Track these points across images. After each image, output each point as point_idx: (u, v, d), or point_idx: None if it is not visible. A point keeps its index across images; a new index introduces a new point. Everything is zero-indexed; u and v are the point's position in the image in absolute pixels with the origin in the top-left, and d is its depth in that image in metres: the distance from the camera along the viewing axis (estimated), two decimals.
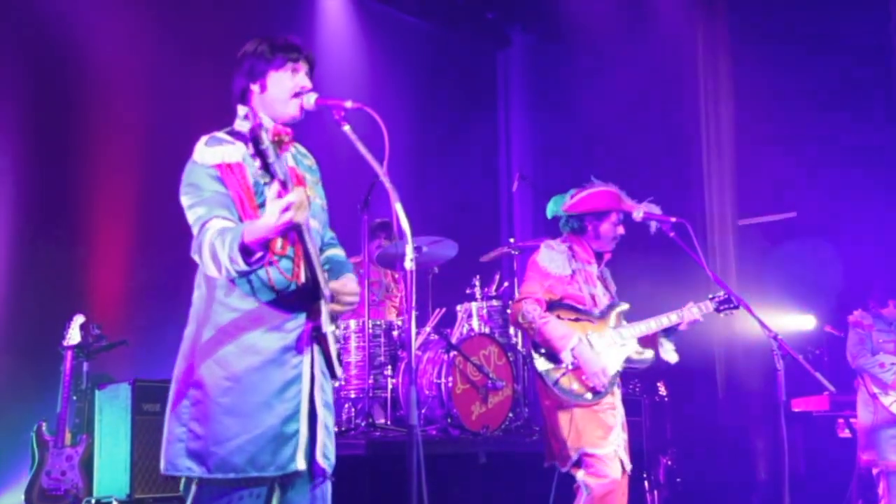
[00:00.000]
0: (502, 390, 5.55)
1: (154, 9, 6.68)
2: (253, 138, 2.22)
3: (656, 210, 4.19)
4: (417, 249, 5.53)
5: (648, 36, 8.02)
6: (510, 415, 5.62)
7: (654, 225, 4.19)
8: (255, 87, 2.66)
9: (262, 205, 2.49)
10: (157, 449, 2.65)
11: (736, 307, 4.19)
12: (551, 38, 9.01)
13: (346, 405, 5.60)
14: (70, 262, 6.28)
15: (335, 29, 8.10)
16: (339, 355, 2.71)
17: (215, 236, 2.39)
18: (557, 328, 3.89)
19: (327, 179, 2.90)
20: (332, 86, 7.52)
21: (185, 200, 2.54)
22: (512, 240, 6.49)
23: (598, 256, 4.19)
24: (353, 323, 5.67)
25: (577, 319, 3.99)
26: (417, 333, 5.72)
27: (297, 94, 2.65)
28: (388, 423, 5.38)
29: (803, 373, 3.82)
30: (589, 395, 3.89)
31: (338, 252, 2.89)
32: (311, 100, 2.64)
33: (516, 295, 4.17)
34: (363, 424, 5.18)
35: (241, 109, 2.68)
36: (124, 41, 6.50)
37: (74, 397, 5.53)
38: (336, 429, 5.28)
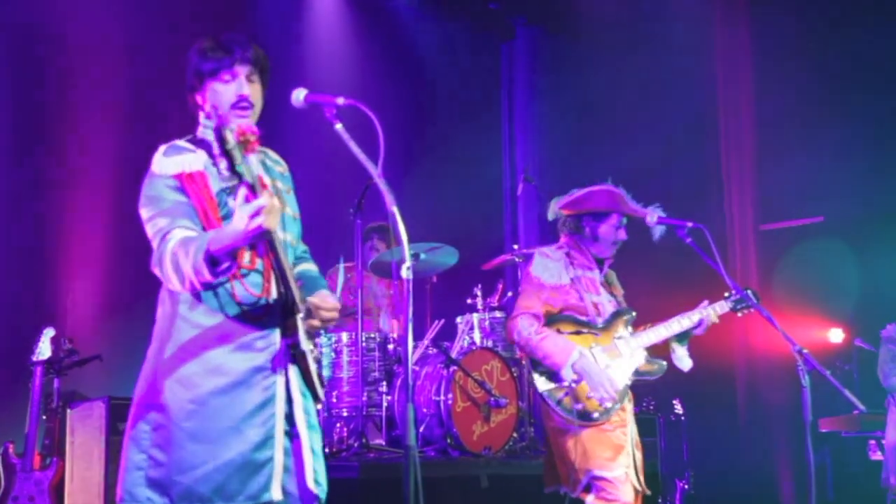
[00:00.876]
0: (506, 408, 5.55)
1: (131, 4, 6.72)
2: (219, 138, 2.21)
3: (663, 215, 4.18)
4: (415, 256, 5.54)
5: (662, 27, 8.04)
6: (514, 435, 5.61)
7: (658, 231, 4.17)
8: (198, 98, 2.65)
9: (227, 217, 2.49)
10: None
11: (754, 306, 4.17)
12: (558, 29, 9.03)
13: (338, 424, 5.59)
14: (40, 272, 6.29)
15: (327, 20, 8.13)
16: (319, 375, 2.68)
17: (177, 246, 2.39)
18: (556, 343, 3.87)
19: (317, 182, 2.92)
20: (323, 81, 7.57)
21: (144, 213, 2.54)
22: (516, 246, 6.51)
23: (600, 261, 4.16)
24: (345, 336, 5.67)
25: (578, 332, 3.96)
26: (415, 347, 5.72)
27: (235, 105, 2.59)
28: (384, 443, 5.38)
29: (831, 390, 3.82)
30: (596, 415, 3.86)
31: (310, 267, 2.89)
32: (300, 96, 2.64)
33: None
34: (356, 445, 5.18)
35: (202, 116, 2.67)
36: (101, 46, 6.54)
37: (44, 416, 5.52)
38: (327, 450, 5.32)
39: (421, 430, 5.37)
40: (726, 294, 4.24)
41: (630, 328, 4.09)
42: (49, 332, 5.41)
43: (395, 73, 8.31)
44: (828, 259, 7.31)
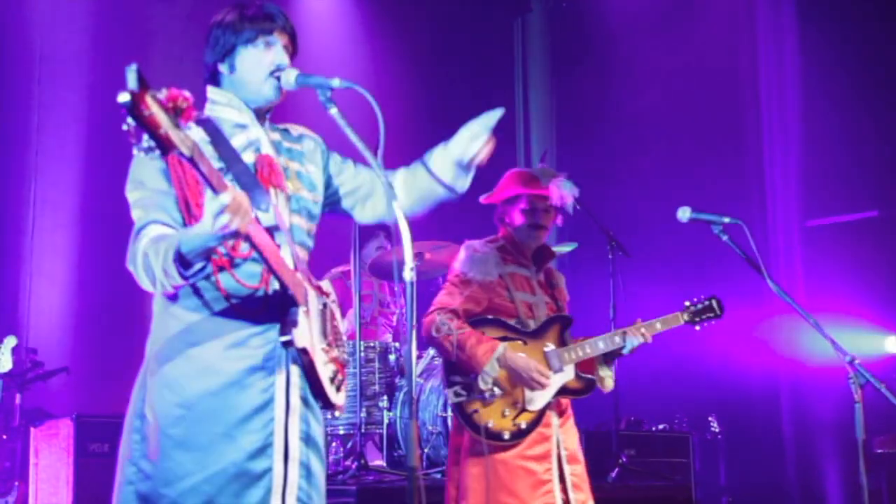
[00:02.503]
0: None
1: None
2: (127, 106, 2.00)
3: (569, 192, 4.05)
4: (418, 256, 5.55)
5: (694, 7, 8.05)
6: None
7: (694, 215, 4.02)
8: (223, 68, 2.68)
9: None
10: (105, 497, 2.66)
11: (718, 316, 4.19)
12: (576, 1, 9.04)
13: (334, 443, 5.61)
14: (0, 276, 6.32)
15: None
16: (334, 378, 2.67)
17: (149, 245, 2.41)
18: (479, 338, 3.81)
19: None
20: (320, 62, 7.59)
21: (128, 196, 2.58)
22: None
23: (537, 256, 4.12)
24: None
25: (504, 338, 3.89)
26: (419, 357, 5.73)
27: (273, 74, 2.65)
28: (384, 464, 5.39)
29: (887, 405, 3.82)
30: (507, 435, 3.80)
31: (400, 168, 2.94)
32: (290, 77, 2.65)
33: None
34: (354, 466, 5.20)
35: (213, 92, 2.70)
36: (74, 33, 6.61)
37: (4, 436, 5.54)
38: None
39: (426, 450, 5.38)
40: (686, 303, 4.23)
41: (566, 338, 4.04)
42: (10, 342, 5.43)
43: (398, 52, 8.33)
44: (882, 258, 7.30)
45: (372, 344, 5.71)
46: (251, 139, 2.66)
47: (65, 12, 6.64)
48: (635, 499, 6.02)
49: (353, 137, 2.55)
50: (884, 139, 7.29)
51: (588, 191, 7.59)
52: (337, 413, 2.76)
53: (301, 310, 2.53)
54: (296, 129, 2.87)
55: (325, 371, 2.63)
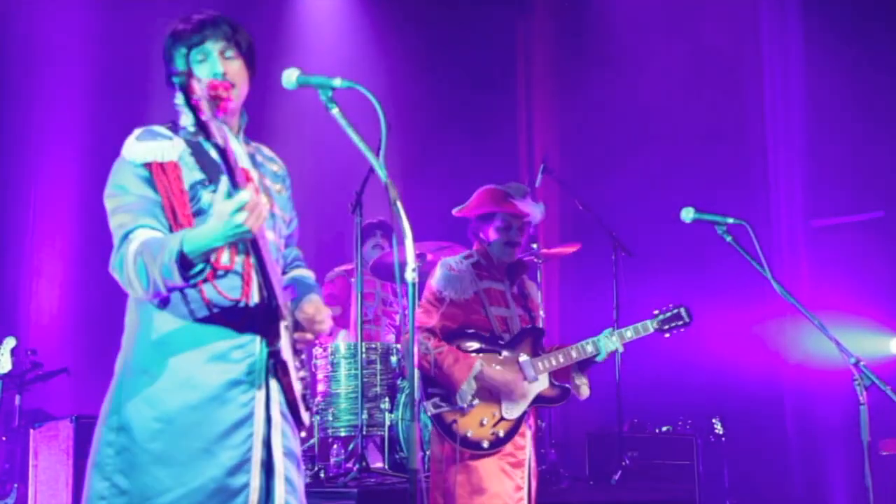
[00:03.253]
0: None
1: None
2: (181, 87, 2.20)
3: (537, 212, 4.21)
4: (420, 257, 5.55)
5: (702, 5, 8.04)
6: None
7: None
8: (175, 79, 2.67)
9: (198, 213, 2.51)
10: None
11: (687, 324, 4.31)
12: (580, 1, 9.03)
13: (335, 445, 5.61)
14: None
15: None
16: (305, 396, 2.68)
17: (141, 249, 2.41)
18: (456, 356, 3.97)
19: (311, 174, 2.93)
20: (321, 62, 7.60)
21: (108, 204, 2.56)
22: (535, 245, 6.49)
23: (510, 270, 4.25)
24: (342, 346, 5.68)
25: (479, 351, 4.06)
26: None
27: (213, 88, 2.50)
28: (385, 467, 5.39)
29: (893, 408, 3.82)
30: (486, 444, 3.97)
31: (305, 273, 2.90)
32: (291, 77, 2.64)
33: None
34: (355, 469, 5.19)
35: (178, 98, 2.63)
36: (68, 34, 6.62)
37: (4, 437, 5.55)
38: (322, 475, 5.34)
39: (428, 452, 5.37)
40: (655, 311, 4.33)
41: (539, 349, 4.19)
42: (10, 343, 5.44)
43: (399, 52, 8.33)
44: (888, 259, 7.29)
45: (373, 345, 5.71)
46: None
47: (66, 14, 6.65)
48: (638, 501, 6.02)
49: (355, 138, 2.54)
50: (889, 139, 7.28)
51: (591, 191, 7.63)
52: (302, 433, 2.76)
53: (283, 324, 2.53)
54: (267, 150, 2.87)
55: (297, 387, 2.63)
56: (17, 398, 5.65)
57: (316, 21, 8.02)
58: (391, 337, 6.35)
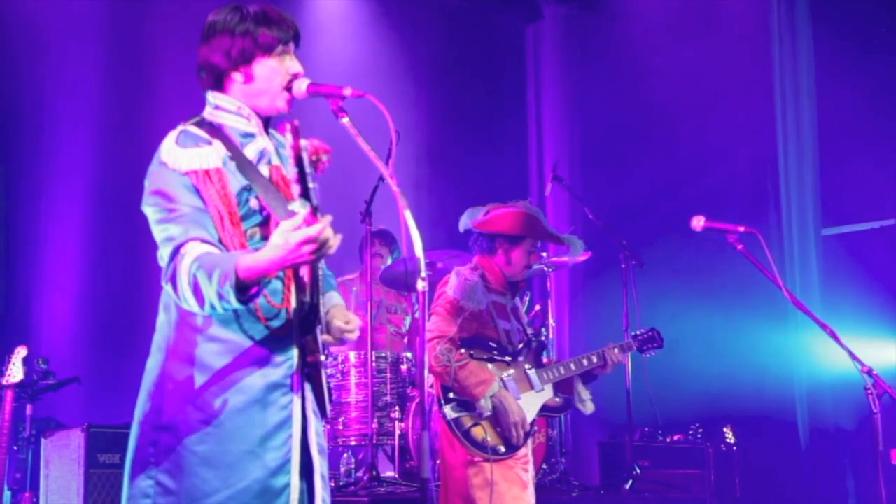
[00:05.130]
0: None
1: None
2: (297, 159, 2.17)
3: (579, 246, 4.44)
4: (430, 266, 5.56)
5: (711, 8, 8.03)
6: (544, 466, 5.61)
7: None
8: (237, 76, 2.62)
9: (245, 217, 2.51)
10: None
11: (660, 346, 4.56)
12: (590, 8, 9.04)
13: (346, 454, 5.61)
14: (10, 285, 6.34)
15: (334, 3, 8.18)
16: (330, 391, 2.73)
17: (195, 266, 2.38)
18: (476, 373, 4.06)
19: (320, 181, 2.92)
20: (331, 68, 7.61)
21: (152, 213, 2.52)
22: (545, 254, 6.50)
23: (512, 286, 4.37)
24: (353, 355, 5.69)
25: (490, 359, 4.17)
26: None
27: (288, 85, 2.63)
28: (396, 476, 5.39)
29: None
30: (502, 448, 4.08)
31: (325, 269, 2.91)
32: (301, 87, 2.64)
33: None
34: (366, 478, 5.19)
35: (218, 98, 2.66)
36: (86, 42, 6.65)
37: (15, 447, 5.55)
38: (332, 483, 5.34)
39: (438, 461, 5.37)
40: (633, 333, 4.59)
41: (539, 360, 4.34)
42: (21, 352, 5.44)
43: (409, 60, 8.34)
44: None
45: (383, 354, 5.71)
46: (260, 149, 2.64)
47: (76, 18, 6.67)
48: None
49: (366, 146, 2.55)
50: None
51: (601, 199, 7.62)
52: (326, 425, 2.80)
53: (319, 328, 2.56)
54: (279, 134, 2.79)
55: (327, 385, 2.68)
56: (29, 407, 5.65)
57: (326, 31, 8.04)
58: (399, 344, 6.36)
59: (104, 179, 6.45)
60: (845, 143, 7.53)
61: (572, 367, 4.32)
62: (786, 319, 6.98)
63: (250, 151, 2.61)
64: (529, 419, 4.16)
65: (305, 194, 2.21)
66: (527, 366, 4.25)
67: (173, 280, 2.43)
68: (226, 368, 2.51)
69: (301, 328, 2.56)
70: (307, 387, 2.62)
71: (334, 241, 2.28)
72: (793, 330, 7.04)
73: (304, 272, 2.48)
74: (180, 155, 2.51)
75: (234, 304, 2.35)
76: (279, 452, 2.54)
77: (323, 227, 2.23)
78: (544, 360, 4.39)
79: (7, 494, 5.27)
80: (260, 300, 2.50)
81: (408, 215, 2.47)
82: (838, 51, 7.53)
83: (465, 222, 4.43)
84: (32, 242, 6.50)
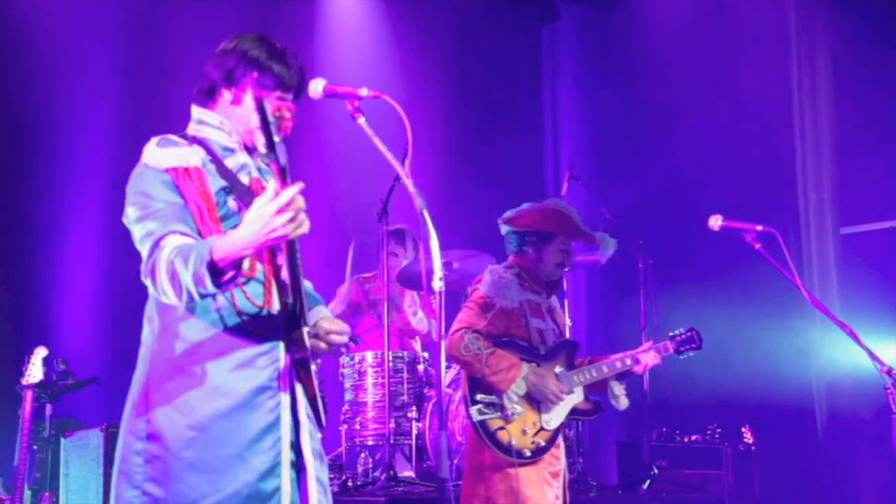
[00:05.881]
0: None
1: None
2: (259, 108, 2.24)
3: (611, 245, 4.41)
4: (447, 266, 5.56)
5: (729, 6, 8.01)
6: None
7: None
8: (227, 94, 2.67)
9: (224, 217, 2.53)
10: None
11: (698, 347, 4.44)
12: (607, 8, 9.02)
13: (363, 454, 5.61)
14: (29, 287, 6.38)
15: (350, 3, 8.19)
16: (323, 399, 2.70)
17: (174, 254, 2.40)
18: (507, 357, 4.06)
19: (337, 181, 2.93)
20: (345, 71, 7.63)
21: (131, 212, 2.55)
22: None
23: (549, 284, 4.34)
24: (370, 355, 5.70)
25: (521, 359, 4.13)
26: (447, 367, 5.73)
27: (278, 109, 2.63)
28: (414, 475, 5.39)
29: None
30: (528, 453, 4.06)
31: (307, 283, 2.91)
32: (318, 87, 2.66)
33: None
34: (383, 478, 5.20)
35: (202, 113, 2.70)
36: (104, 43, 6.68)
37: (35, 446, 5.58)
38: (350, 483, 5.35)
39: (455, 461, 5.37)
40: (671, 333, 4.45)
41: (572, 361, 4.30)
42: (41, 353, 5.46)
43: (425, 61, 8.35)
44: None
45: (400, 354, 5.71)
46: (241, 163, 2.66)
47: (92, 20, 6.69)
48: None
49: (381, 147, 2.56)
50: None
51: (617, 198, 7.59)
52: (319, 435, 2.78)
53: (305, 330, 2.55)
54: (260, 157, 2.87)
55: (318, 392, 2.65)
56: (48, 408, 5.67)
57: (342, 30, 8.05)
58: (415, 343, 6.36)
59: (122, 180, 6.48)
60: (864, 141, 7.49)
61: (605, 369, 4.27)
62: (804, 319, 6.95)
63: (230, 163, 2.63)
64: (558, 422, 4.14)
65: (270, 146, 2.22)
66: (557, 367, 4.21)
67: (152, 273, 2.44)
68: (209, 374, 2.51)
69: (286, 327, 2.55)
70: (299, 390, 2.61)
71: (306, 221, 2.27)
72: (811, 329, 7.01)
73: (285, 272, 2.47)
74: (160, 153, 2.56)
75: (210, 287, 2.34)
76: (267, 456, 2.53)
77: (294, 193, 2.22)
78: (577, 361, 4.34)
79: (27, 494, 5.30)
80: (242, 300, 2.51)
81: (425, 215, 2.48)
82: (857, 49, 7.49)
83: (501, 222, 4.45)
84: (51, 243, 6.53)
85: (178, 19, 6.94)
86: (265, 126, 2.25)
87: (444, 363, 2.59)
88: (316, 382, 2.63)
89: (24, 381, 5.39)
